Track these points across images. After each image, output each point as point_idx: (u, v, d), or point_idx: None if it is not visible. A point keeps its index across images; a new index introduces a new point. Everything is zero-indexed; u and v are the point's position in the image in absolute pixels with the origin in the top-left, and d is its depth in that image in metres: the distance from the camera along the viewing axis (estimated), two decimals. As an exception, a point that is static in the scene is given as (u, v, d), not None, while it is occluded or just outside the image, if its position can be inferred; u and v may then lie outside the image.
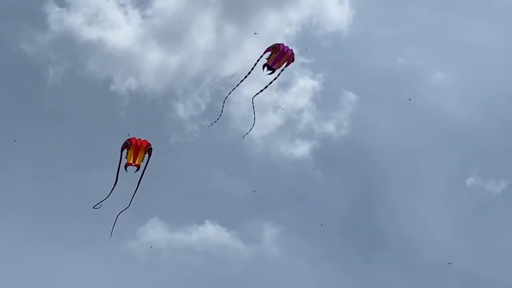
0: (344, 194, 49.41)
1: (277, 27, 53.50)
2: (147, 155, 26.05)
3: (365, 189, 49.88)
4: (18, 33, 52.61)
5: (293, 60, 27.01)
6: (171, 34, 54.14)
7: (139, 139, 25.84)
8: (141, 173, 25.84)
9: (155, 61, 52.71)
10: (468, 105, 53.27)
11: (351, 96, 51.98)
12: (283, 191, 50.37)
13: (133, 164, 25.81)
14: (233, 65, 51.90)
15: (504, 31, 56.24)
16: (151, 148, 25.96)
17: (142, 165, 26.22)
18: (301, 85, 51.83)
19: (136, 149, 25.73)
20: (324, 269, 44.99)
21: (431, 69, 54.46)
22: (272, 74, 27.32)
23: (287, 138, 51.25)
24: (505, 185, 48.23)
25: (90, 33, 51.91)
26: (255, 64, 26.72)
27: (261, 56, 26.63)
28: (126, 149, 25.82)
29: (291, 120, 51.31)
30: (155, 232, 45.48)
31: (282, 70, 26.92)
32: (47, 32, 51.87)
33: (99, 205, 26.53)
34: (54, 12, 52.07)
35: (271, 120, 50.76)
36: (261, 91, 27.86)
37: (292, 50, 26.81)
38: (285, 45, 26.74)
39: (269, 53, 26.67)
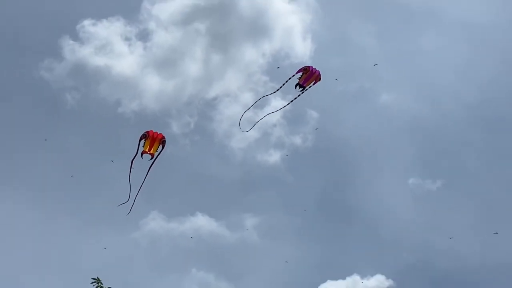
0: (311, 189, 52.11)
1: (254, 58, 55.53)
2: (161, 146, 26.38)
3: (330, 185, 52.47)
4: (38, 63, 53.82)
5: (320, 79, 27.59)
6: (167, 63, 55.90)
7: (155, 132, 26.39)
8: (153, 160, 26.24)
9: (154, 86, 54.52)
10: (413, 116, 56.19)
11: (314, 114, 54.61)
12: (260, 189, 52.95)
13: (148, 152, 26.13)
14: (216, 90, 54.03)
15: (450, 41, 60.65)
16: (165, 141, 26.38)
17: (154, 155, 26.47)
18: (273, 104, 53.91)
19: (152, 140, 26.14)
20: (300, 247, 47.18)
21: (381, 88, 58.42)
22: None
23: (262, 148, 53.02)
24: (440, 184, 50.91)
25: (100, 63, 53.52)
26: (286, 81, 27.58)
27: (293, 75, 27.40)
28: (143, 140, 26.13)
29: (265, 134, 53.90)
30: (155, 222, 46.93)
31: (310, 87, 27.61)
32: (63, 62, 53.25)
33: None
34: (68, 45, 53.82)
35: (249, 134, 52.66)
36: (291, 101, 28.61)
37: (319, 71, 27.48)
38: (313, 67, 27.48)
39: (300, 73, 27.39)
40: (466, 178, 52.53)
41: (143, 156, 26.24)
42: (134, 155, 26.18)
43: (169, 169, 50.46)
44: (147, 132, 26.36)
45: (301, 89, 27.58)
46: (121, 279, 20.77)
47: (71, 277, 39.51)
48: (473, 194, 51.81)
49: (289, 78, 27.55)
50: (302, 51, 56.35)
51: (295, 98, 27.93)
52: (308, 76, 27.51)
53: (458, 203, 50.25)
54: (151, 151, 26.31)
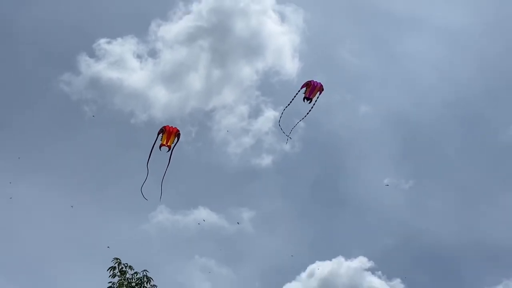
0: (300, 187, 54.06)
1: (248, 74, 56.79)
2: (176, 138, 26.96)
3: (316, 183, 54.33)
4: (58, 77, 54.75)
5: (323, 90, 28.05)
6: (174, 78, 56.99)
7: (171, 126, 27.15)
8: (171, 150, 27.18)
9: (162, 98, 55.63)
10: (396, 115, 58.53)
11: (301, 124, 55.25)
12: (254, 187, 54.72)
13: (166, 145, 26.97)
14: (214, 102, 55.31)
15: (432, 44, 63.35)
16: (179, 134, 27.17)
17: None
18: (266, 115, 55.62)
19: (169, 134, 26.88)
20: (290, 233, 48.77)
21: (358, 101, 61.18)
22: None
23: (256, 153, 54.21)
24: (412, 183, 53.89)
25: (115, 78, 54.33)
26: (294, 97, 28.14)
27: (298, 91, 27.98)
28: (161, 134, 26.96)
29: (259, 140, 55.96)
30: (162, 215, 48.07)
31: (318, 98, 28.07)
32: (80, 76, 54.17)
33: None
34: (85, 61, 54.64)
35: (244, 141, 54.14)
36: (307, 114, 28.88)
37: (321, 83, 28.01)
38: (314, 80, 28.05)
39: (304, 88, 27.95)
40: (443, 170, 55.11)
41: (161, 149, 27.04)
42: (152, 147, 26.96)
43: (174, 170, 51.37)
44: (164, 127, 27.14)
45: (308, 101, 28.02)
46: (134, 260, 21.83)
47: (91, 255, 41.85)
48: (451, 183, 54.37)
49: (295, 94, 28.29)
50: (291, 69, 58.02)
51: (312, 107, 28.31)
52: (311, 89, 27.98)
53: (435, 191, 52.45)
54: (168, 144, 27.11)
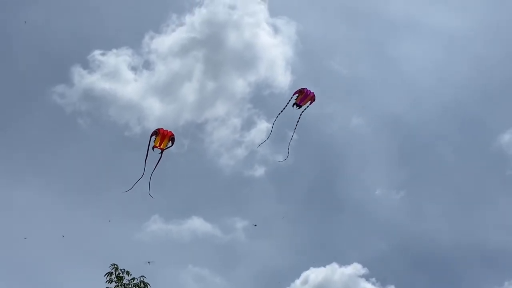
0: (291, 198, 54.83)
1: (241, 87, 56.81)
2: (170, 142, 26.63)
3: (309, 193, 54.48)
4: (51, 88, 54.28)
5: (314, 99, 27.91)
6: (168, 90, 56.82)
7: (166, 130, 26.79)
8: (161, 153, 26.82)
9: (157, 110, 55.49)
10: (393, 117, 58.10)
11: (294, 135, 55.23)
12: (246, 197, 54.78)
13: (159, 147, 26.63)
14: (207, 114, 55.27)
15: (429, 48, 62.98)
16: (174, 138, 26.84)
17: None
18: (259, 127, 55.25)
19: (162, 137, 26.54)
20: (284, 242, 49.06)
21: (352, 110, 60.43)
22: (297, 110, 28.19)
23: (249, 164, 54.88)
24: (403, 194, 53.77)
25: (108, 88, 54.12)
26: (287, 103, 27.87)
27: (291, 97, 27.83)
28: (154, 136, 26.62)
29: (252, 152, 55.44)
30: (156, 225, 47.92)
31: (307, 106, 27.92)
32: (73, 87, 53.78)
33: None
34: (79, 73, 54.62)
35: (237, 152, 54.38)
36: (297, 122, 28.65)
37: (313, 92, 27.90)
38: (307, 89, 27.83)
39: (296, 95, 27.72)
40: (439, 175, 55.47)
41: (154, 150, 26.76)
42: (147, 149, 26.71)
43: (167, 183, 51.94)
44: (158, 129, 26.93)
45: (298, 108, 27.88)
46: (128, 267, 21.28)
47: (88, 261, 41.44)
48: (446, 187, 54.62)
49: (289, 101, 27.92)
50: (283, 82, 57.82)
51: (300, 115, 28.20)
52: (303, 97, 27.92)
53: (431, 196, 52.28)
54: (161, 146, 26.85)
